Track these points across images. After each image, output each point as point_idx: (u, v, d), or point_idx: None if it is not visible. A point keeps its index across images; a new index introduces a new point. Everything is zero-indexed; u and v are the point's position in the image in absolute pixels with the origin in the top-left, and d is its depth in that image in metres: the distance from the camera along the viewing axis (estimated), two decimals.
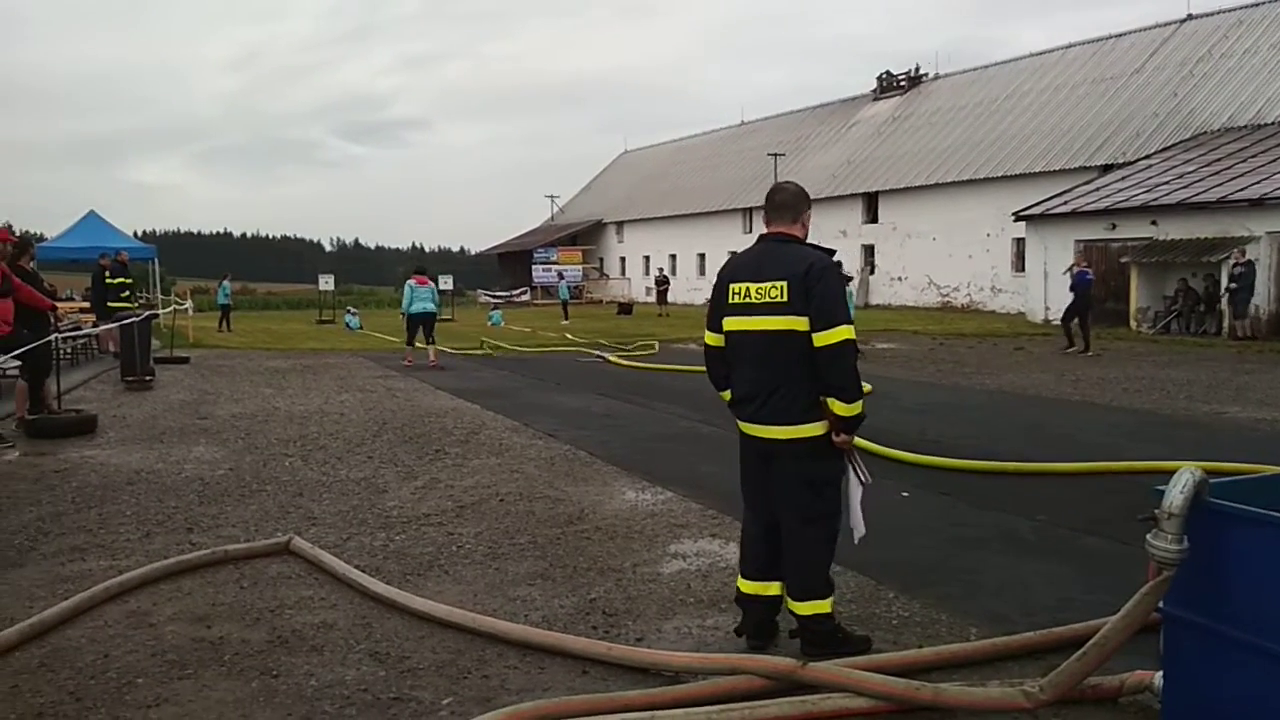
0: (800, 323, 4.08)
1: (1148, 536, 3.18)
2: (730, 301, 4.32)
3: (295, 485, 7.99)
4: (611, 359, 19.77)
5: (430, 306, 19.54)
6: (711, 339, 4.50)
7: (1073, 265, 22.08)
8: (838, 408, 4.10)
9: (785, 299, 4.11)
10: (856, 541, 4.37)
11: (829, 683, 3.65)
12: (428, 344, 19.40)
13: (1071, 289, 20.26)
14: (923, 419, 11.46)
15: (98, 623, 4.77)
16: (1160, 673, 3.47)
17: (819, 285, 4.08)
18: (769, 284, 4.17)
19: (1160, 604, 3.29)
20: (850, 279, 24.98)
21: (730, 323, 4.34)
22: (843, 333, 4.06)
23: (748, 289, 4.25)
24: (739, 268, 4.38)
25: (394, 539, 6.32)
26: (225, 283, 34.51)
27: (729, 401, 4.46)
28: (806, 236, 4.41)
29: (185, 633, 4.62)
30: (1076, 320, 20.19)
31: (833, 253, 4.39)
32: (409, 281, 20.14)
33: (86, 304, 22.07)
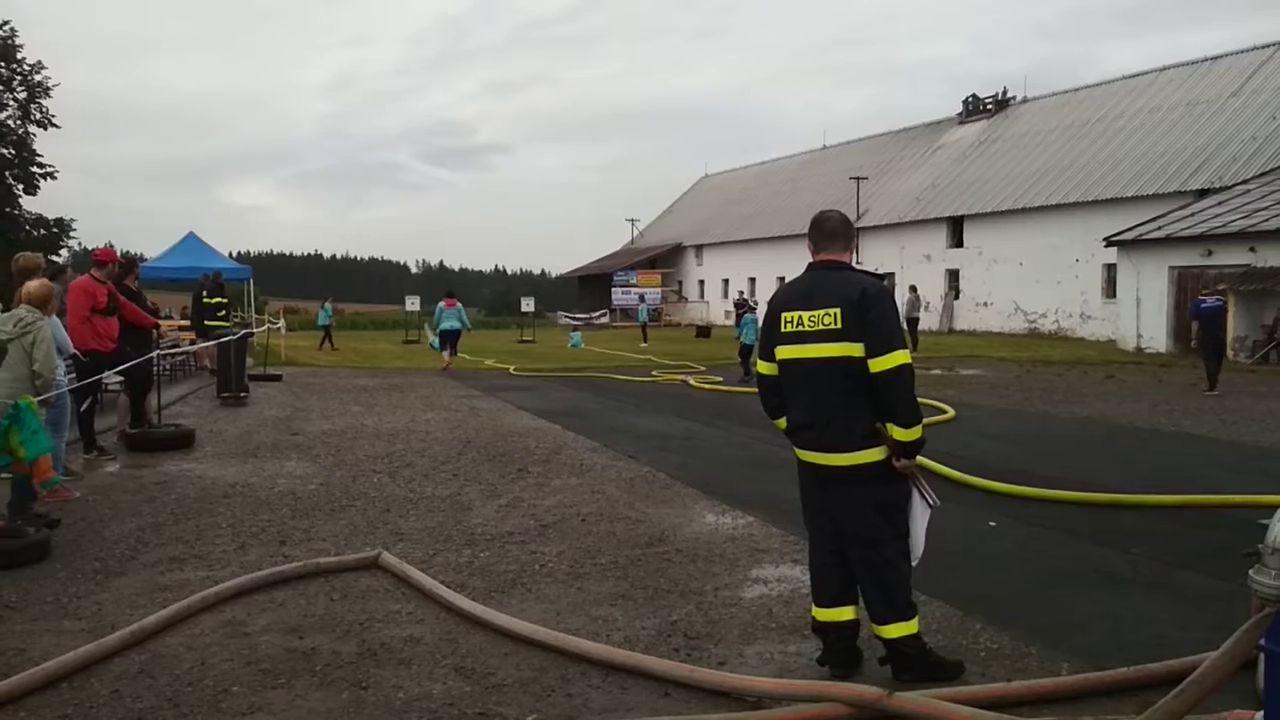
0: (855, 349, 4.07)
1: (1250, 572, 3.08)
2: (783, 330, 4.32)
3: (383, 501, 8.15)
4: (692, 383, 19.78)
5: (456, 324, 24.29)
6: (764, 368, 4.49)
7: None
8: (897, 433, 4.08)
9: (839, 325, 4.10)
10: (914, 563, 4.32)
11: (916, 713, 3.60)
12: (452, 354, 24.17)
13: (1193, 317, 18.26)
14: (1010, 447, 11.23)
15: (195, 631, 4.92)
16: (1260, 712, 3.35)
17: (874, 311, 4.07)
18: (822, 311, 4.16)
19: (1262, 641, 3.19)
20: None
21: (784, 351, 4.33)
22: (899, 358, 4.05)
23: (800, 317, 4.24)
24: (790, 296, 4.38)
25: (478, 556, 6.41)
26: (327, 305, 35.68)
27: (785, 430, 4.46)
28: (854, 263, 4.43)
29: (278, 643, 4.75)
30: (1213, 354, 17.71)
31: (883, 277, 4.37)
32: (440, 304, 25.20)
33: (185, 322, 22.83)
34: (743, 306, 45.21)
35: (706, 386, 19.16)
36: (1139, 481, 8.78)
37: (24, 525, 6.48)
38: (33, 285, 7.76)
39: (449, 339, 24.33)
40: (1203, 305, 17.75)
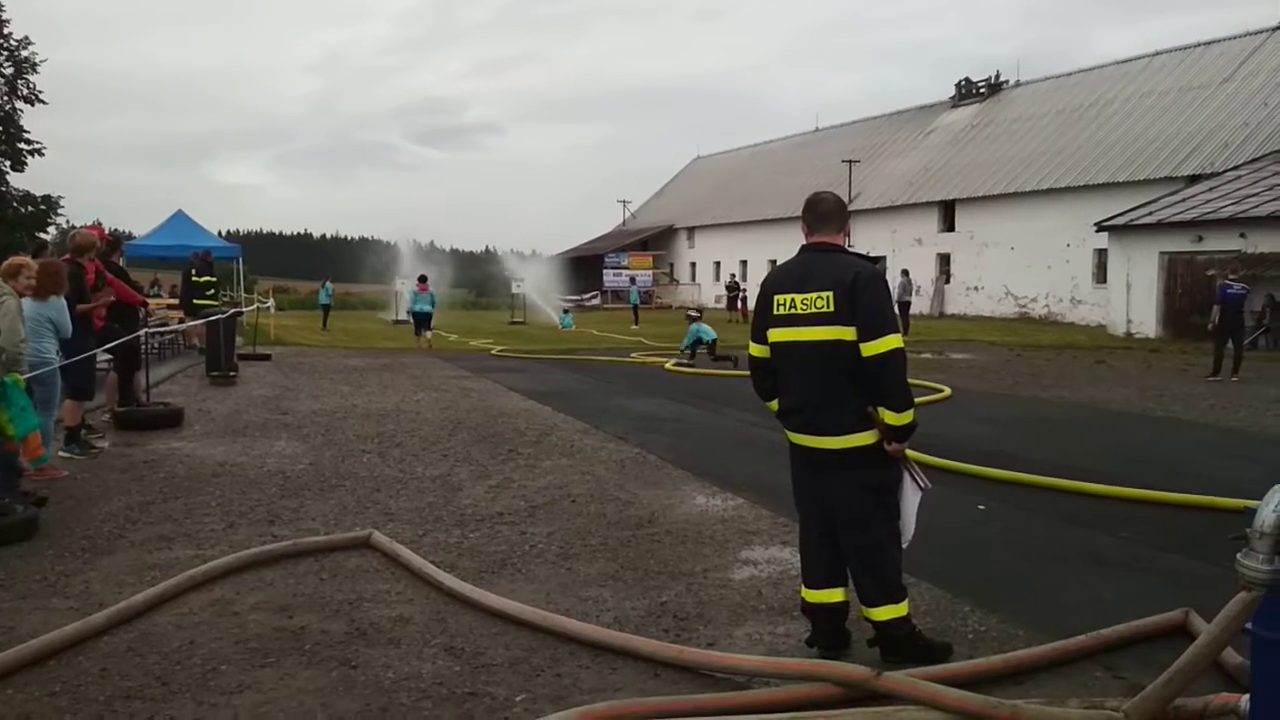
0: (847, 332, 4.06)
1: (1238, 555, 3.09)
2: (775, 313, 4.30)
3: (373, 481, 8.14)
4: (668, 367, 19.64)
5: (427, 307, 26.37)
6: (756, 350, 4.47)
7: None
8: (888, 417, 4.08)
9: (832, 309, 4.09)
10: (904, 545, 4.33)
11: (904, 694, 3.61)
12: (427, 333, 26.03)
13: (1217, 303, 17.54)
14: (999, 431, 11.27)
15: (183, 610, 4.91)
16: (1247, 696, 3.37)
17: (866, 295, 4.06)
18: (815, 294, 4.14)
19: (1248, 625, 3.20)
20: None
21: (776, 334, 4.31)
22: (891, 342, 4.04)
23: (793, 300, 4.22)
24: (783, 279, 4.35)
25: (468, 536, 6.41)
26: (328, 284, 35.66)
27: (777, 412, 4.45)
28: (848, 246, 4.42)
29: (267, 622, 4.75)
30: (1230, 342, 17.33)
31: (876, 260, 4.36)
32: (412, 288, 27.97)
33: (174, 300, 22.72)
34: (734, 289, 45.33)
35: (682, 371, 19.06)
36: (1128, 466, 8.81)
37: (11, 503, 6.44)
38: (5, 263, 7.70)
39: (422, 320, 26.20)
40: (1229, 290, 17.40)
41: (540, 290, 47.12)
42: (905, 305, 29.07)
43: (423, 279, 27.62)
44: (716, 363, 19.58)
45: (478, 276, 57.58)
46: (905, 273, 31.94)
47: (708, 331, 20.56)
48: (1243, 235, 25.56)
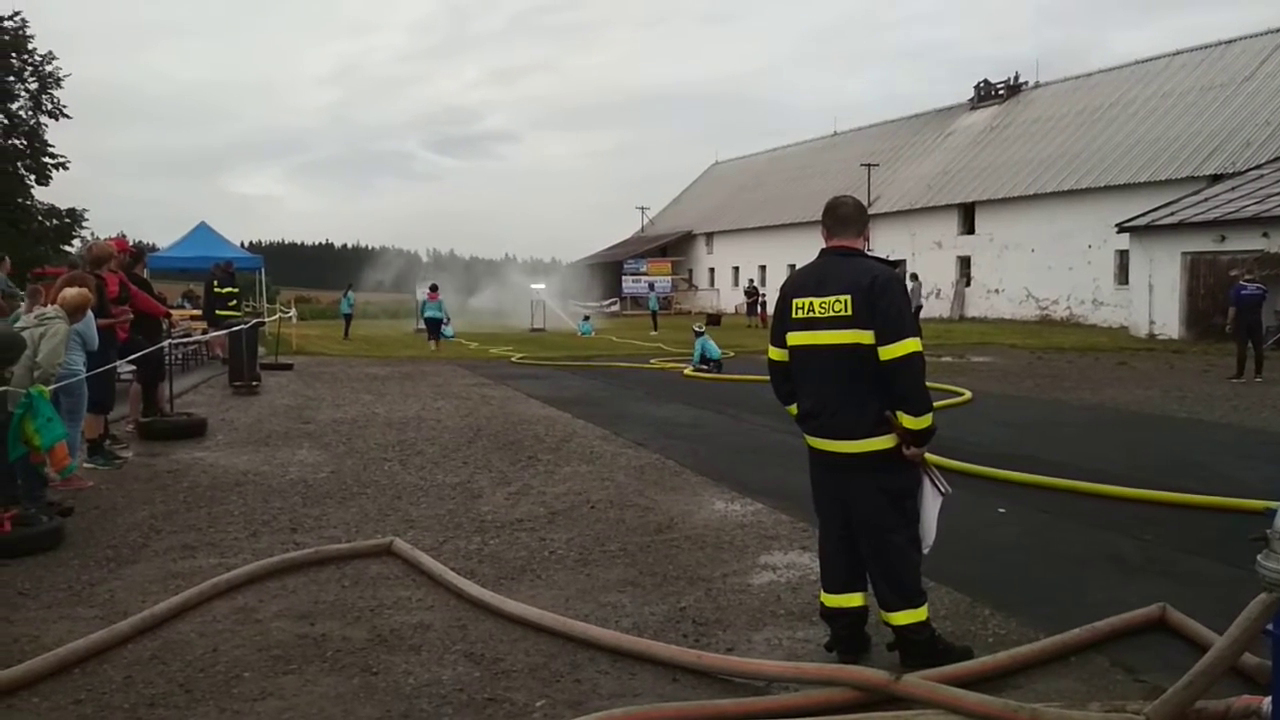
0: (865, 336, 4.05)
1: (1258, 557, 3.08)
2: (794, 316, 4.30)
3: (394, 489, 8.19)
4: (686, 373, 19.58)
5: (438, 314, 28.86)
6: (775, 354, 4.47)
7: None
8: (906, 421, 4.06)
9: (850, 312, 4.08)
10: (925, 551, 4.32)
11: (923, 698, 3.61)
12: (437, 339, 28.35)
13: (1231, 304, 17.35)
14: (1020, 433, 11.21)
15: (207, 618, 4.96)
16: (1269, 699, 3.35)
17: (884, 298, 4.05)
18: (833, 298, 4.14)
19: (1270, 626, 3.18)
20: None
21: (794, 337, 4.31)
22: (909, 345, 4.02)
23: (811, 303, 4.22)
24: (801, 282, 4.35)
25: (488, 543, 6.44)
26: (350, 293, 35.92)
27: (796, 416, 4.45)
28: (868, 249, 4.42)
29: (289, 629, 4.78)
30: (1250, 342, 17.08)
31: (896, 264, 4.35)
32: (424, 297, 31.00)
33: (197, 311, 22.93)
34: (753, 295, 45.24)
35: (702, 376, 19.03)
36: (1150, 469, 8.75)
37: (37, 513, 6.52)
38: (70, 293, 7.73)
39: (432, 327, 28.68)
40: (1243, 292, 17.15)
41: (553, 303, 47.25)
42: (916, 310, 28.92)
43: (434, 288, 29.95)
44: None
45: (499, 285, 57.70)
46: (914, 277, 31.74)
47: (712, 349, 20.37)
48: (1265, 235, 25.34)
